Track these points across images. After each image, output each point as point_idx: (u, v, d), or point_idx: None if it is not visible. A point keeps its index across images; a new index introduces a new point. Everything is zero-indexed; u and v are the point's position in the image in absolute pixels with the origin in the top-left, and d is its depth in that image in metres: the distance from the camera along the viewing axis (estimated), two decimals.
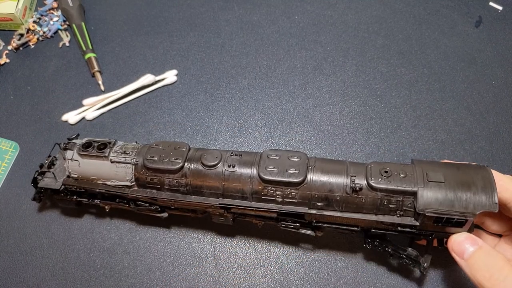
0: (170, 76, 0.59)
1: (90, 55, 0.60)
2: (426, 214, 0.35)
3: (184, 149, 0.42)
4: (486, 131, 0.53)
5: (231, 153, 0.41)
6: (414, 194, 0.36)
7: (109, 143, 0.43)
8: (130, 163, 0.42)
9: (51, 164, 0.47)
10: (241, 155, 0.40)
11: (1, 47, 0.63)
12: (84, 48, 0.61)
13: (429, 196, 0.35)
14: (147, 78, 0.58)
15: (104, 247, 0.49)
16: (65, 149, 0.45)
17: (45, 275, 0.48)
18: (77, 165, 0.44)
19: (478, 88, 0.56)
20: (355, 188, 0.36)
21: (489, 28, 0.61)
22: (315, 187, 0.38)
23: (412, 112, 0.55)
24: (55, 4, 0.66)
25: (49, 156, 0.48)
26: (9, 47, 0.63)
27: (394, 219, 0.37)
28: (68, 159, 0.44)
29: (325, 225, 0.39)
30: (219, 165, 0.40)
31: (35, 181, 0.47)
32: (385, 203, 0.37)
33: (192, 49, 0.62)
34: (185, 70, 0.60)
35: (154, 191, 0.43)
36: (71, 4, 0.63)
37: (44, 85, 0.60)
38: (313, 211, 0.39)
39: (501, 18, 0.61)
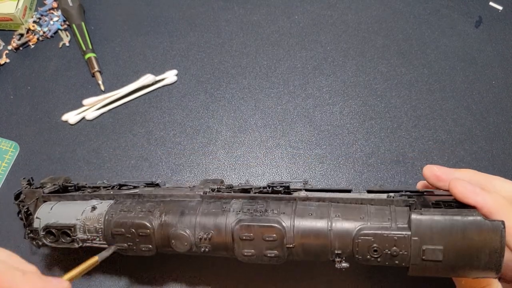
0: (170, 76, 0.59)
1: (90, 55, 0.60)
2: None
3: (148, 231, 0.38)
4: (486, 131, 0.53)
5: (200, 237, 0.36)
6: (405, 268, 0.33)
7: (70, 229, 0.40)
8: (105, 246, 0.40)
9: (27, 215, 0.45)
10: (210, 239, 0.36)
11: (1, 47, 0.63)
12: (84, 48, 0.61)
13: (422, 272, 0.32)
14: (147, 78, 0.58)
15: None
16: (31, 232, 0.43)
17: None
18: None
19: (478, 88, 0.56)
20: (341, 269, 0.34)
21: (489, 28, 0.61)
22: (298, 262, 0.37)
23: (412, 112, 0.55)
24: (55, 4, 0.66)
25: (15, 199, 0.45)
26: (9, 47, 0.63)
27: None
28: (43, 244, 0.42)
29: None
30: (192, 249, 0.37)
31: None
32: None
33: (192, 49, 0.62)
34: (185, 70, 0.60)
35: None
36: (71, 4, 0.63)
37: (44, 85, 0.60)
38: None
39: (501, 18, 0.61)
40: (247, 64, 0.60)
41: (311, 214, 0.35)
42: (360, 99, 0.56)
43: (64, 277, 0.34)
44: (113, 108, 0.58)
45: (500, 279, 0.41)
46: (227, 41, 0.62)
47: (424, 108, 0.55)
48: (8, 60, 0.62)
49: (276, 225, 0.35)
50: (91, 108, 0.58)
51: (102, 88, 0.59)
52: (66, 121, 0.57)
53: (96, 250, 0.38)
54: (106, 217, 0.40)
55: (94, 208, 0.41)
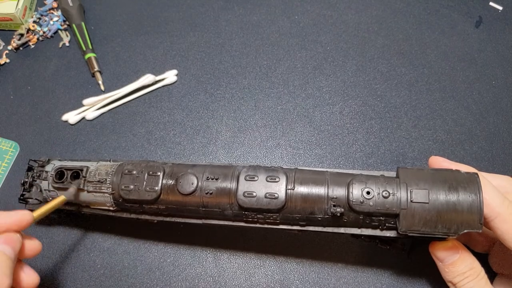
0: (170, 76, 0.59)
1: (90, 55, 0.60)
2: (408, 234, 0.35)
3: (158, 174, 0.40)
4: (486, 131, 0.53)
5: (207, 176, 0.39)
6: (396, 216, 0.35)
7: (81, 170, 0.42)
8: (107, 193, 0.41)
9: (33, 182, 0.46)
10: (217, 179, 0.39)
11: (1, 47, 0.63)
12: (84, 48, 0.61)
13: (412, 218, 0.35)
14: (147, 78, 0.58)
15: (104, 247, 0.49)
16: (38, 177, 0.44)
17: (45, 275, 0.48)
18: (56, 194, 0.43)
19: (478, 88, 0.56)
20: (335, 214, 0.36)
21: (489, 28, 0.61)
22: (296, 211, 0.37)
23: (412, 112, 0.55)
24: (55, 4, 0.66)
25: (28, 170, 0.47)
26: (9, 47, 0.63)
27: (376, 232, 0.37)
28: (45, 189, 0.44)
29: (310, 229, 0.39)
30: (196, 192, 0.39)
31: (23, 198, 0.47)
32: (367, 221, 0.37)
33: (192, 49, 0.62)
34: (185, 70, 0.60)
35: (137, 214, 0.43)
36: (71, 4, 0.63)
37: (44, 85, 0.60)
38: (296, 227, 0.39)
39: (501, 18, 0.61)
40: (247, 64, 0.60)
41: (310, 171, 0.39)
42: (360, 99, 0.56)
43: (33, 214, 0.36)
44: (113, 108, 0.58)
45: (501, 275, 0.41)
46: (227, 41, 0.62)
47: (424, 108, 0.55)
48: (8, 60, 0.62)
49: (280, 170, 0.38)
50: (91, 108, 0.58)
51: (102, 88, 0.59)
52: (66, 121, 0.57)
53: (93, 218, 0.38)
54: (121, 164, 0.42)
55: (111, 160, 0.44)
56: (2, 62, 0.62)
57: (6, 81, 0.61)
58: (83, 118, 0.57)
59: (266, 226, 0.39)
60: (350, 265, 0.46)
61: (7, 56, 0.62)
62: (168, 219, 0.42)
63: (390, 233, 0.37)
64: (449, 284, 0.37)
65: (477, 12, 0.62)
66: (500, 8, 0.62)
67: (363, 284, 0.45)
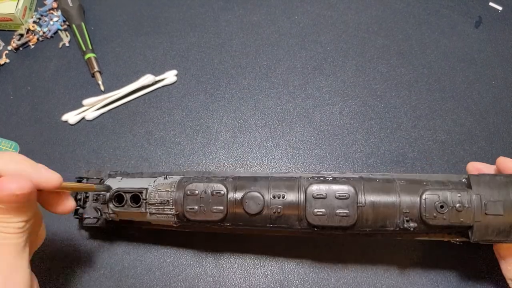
0: (170, 76, 0.59)
1: (90, 55, 0.60)
2: (480, 243, 0.35)
3: (222, 192, 0.39)
4: (486, 131, 0.53)
5: (273, 195, 0.38)
6: (470, 227, 0.35)
7: (141, 192, 0.41)
8: (171, 214, 0.40)
9: (86, 198, 0.46)
10: (284, 197, 0.38)
11: (1, 47, 0.63)
12: (84, 48, 0.61)
13: (485, 229, 0.34)
14: (147, 78, 0.58)
15: (104, 247, 0.49)
16: (96, 200, 0.43)
17: (45, 275, 0.48)
18: (115, 215, 0.43)
19: (478, 88, 0.56)
20: (409, 230, 0.36)
21: (489, 28, 0.61)
22: (367, 226, 0.37)
23: (412, 112, 0.55)
24: (55, 4, 0.66)
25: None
26: (9, 47, 0.63)
27: (444, 236, 0.37)
28: (105, 212, 0.43)
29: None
30: (263, 211, 0.38)
31: (77, 214, 0.46)
32: (437, 231, 0.37)
33: (192, 49, 0.62)
34: (185, 70, 0.60)
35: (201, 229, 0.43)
36: (71, 4, 0.63)
37: (44, 85, 0.60)
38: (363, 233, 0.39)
39: (501, 18, 0.61)
40: (247, 64, 0.60)
41: (378, 181, 0.38)
42: (360, 100, 0.56)
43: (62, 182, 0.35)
44: (113, 108, 0.58)
45: None
46: (227, 41, 0.62)
47: (423, 108, 0.55)
48: (8, 60, 0.62)
49: (349, 184, 0.37)
50: (91, 108, 0.58)
51: (102, 88, 0.59)
52: (66, 121, 0.57)
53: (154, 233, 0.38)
54: (180, 182, 0.41)
55: (166, 177, 0.43)
56: (2, 62, 0.62)
57: (6, 81, 0.61)
58: (83, 118, 0.57)
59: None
60: (350, 265, 0.46)
61: (7, 56, 0.62)
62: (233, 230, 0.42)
63: (459, 239, 0.37)
64: (509, 282, 0.38)
65: (477, 12, 0.62)
66: (500, 8, 0.62)
67: (363, 284, 0.45)
